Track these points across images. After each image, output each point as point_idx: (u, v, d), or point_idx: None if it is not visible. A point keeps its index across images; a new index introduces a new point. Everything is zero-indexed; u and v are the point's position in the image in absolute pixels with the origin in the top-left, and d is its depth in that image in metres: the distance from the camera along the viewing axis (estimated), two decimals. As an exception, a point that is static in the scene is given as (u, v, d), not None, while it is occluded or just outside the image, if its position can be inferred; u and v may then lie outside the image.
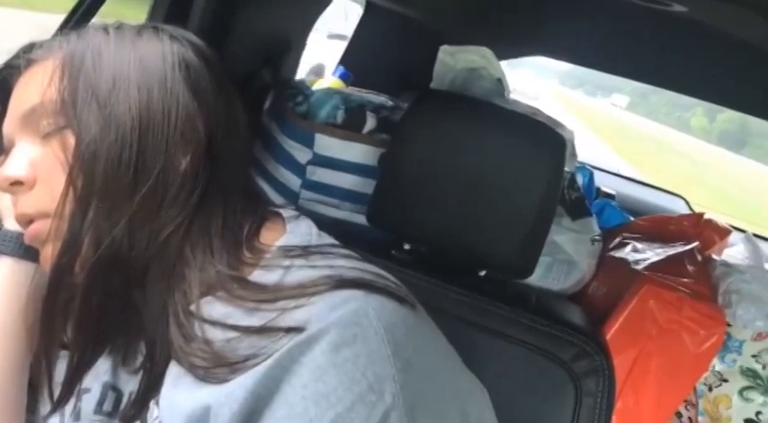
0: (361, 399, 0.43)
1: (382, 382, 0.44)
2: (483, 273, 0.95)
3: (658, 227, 1.31)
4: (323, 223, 0.66)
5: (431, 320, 0.56)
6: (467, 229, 0.87)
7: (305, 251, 0.56)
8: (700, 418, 1.02)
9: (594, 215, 1.22)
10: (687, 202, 2.52)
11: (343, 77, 1.58)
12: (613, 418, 0.98)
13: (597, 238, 1.15)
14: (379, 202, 0.92)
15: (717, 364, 1.00)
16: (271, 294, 0.51)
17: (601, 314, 1.05)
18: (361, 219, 0.99)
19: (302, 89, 1.13)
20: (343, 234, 0.67)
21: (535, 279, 1.04)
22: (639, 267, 1.07)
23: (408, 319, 0.51)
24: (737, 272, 1.03)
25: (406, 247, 0.95)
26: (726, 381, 0.99)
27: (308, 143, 1.04)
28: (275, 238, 0.58)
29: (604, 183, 2.10)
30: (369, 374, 0.44)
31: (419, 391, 0.46)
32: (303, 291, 0.50)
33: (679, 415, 1.05)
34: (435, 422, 0.46)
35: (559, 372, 0.82)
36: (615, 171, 2.72)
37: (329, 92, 1.11)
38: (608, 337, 0.98)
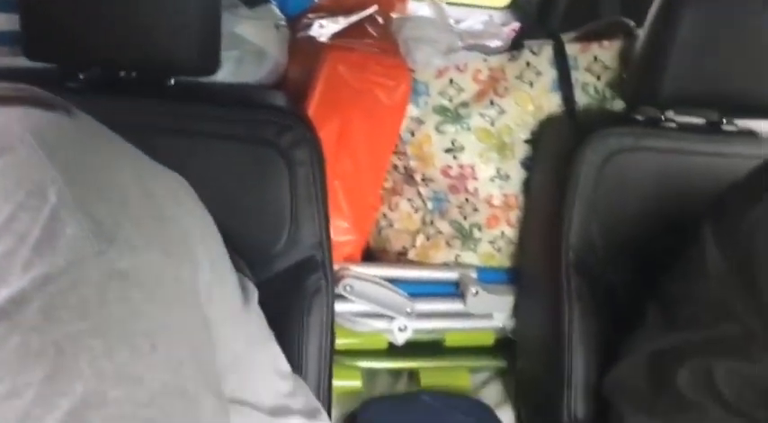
0: (21, 207, 0.41)
1: (42, 184, 0.42)
2: (172, 81, 0.91)
3: (340, 2, 1.33)
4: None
5: (97, 123, 0.53)
6: (134, 40, 0.82)
7: None
8: (410, 163, 1.12)
9: (276, 3, 1.21)
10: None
11: None
12: (337, 183, 1.05)
13: (281, 23, 1.15)
14: (31, 36, 0.83)
15: (412, 110, 1.09)
16: None
17: (303, 95, 1.08)
18: (24, 61, 0.89)
19: None
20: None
21: (228, 75, 1.02)
22: (324, 40, 1.09)
23: (62, 122, 0.48)
24: (410, 21, 1.10)
25: (81, 76, 0.88)
26: (423, 122, 1.09)
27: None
28: None
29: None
30: (24, 182, 0.42)
31: (90, 184, 0.44)
32: None
33: (395, 167, 1.15)
34: (117, 209, 0.45)
35: (268, 151, 0.84)
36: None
37: None
38: (310, 111, 1.01)
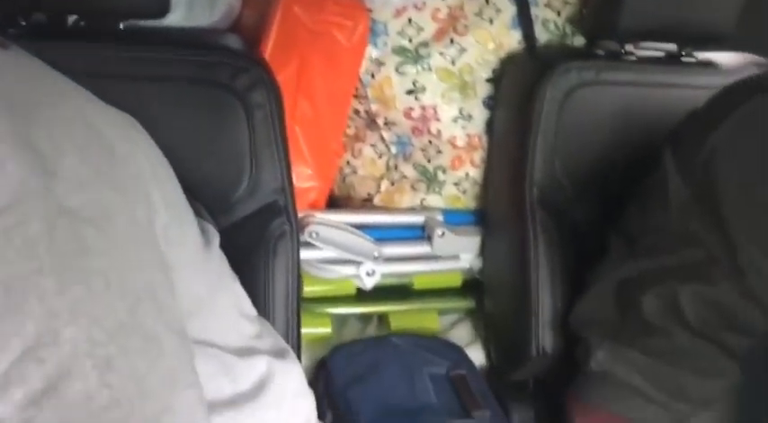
0: None
1: None
2: (121, 26, 0.88)
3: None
4: None
5: (37, 59, 0.51)
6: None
7: None
8: (372, 106, 1.10)
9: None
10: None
11: None
12: (298, 129, 1.03)
13: (233, -35, 1.11)
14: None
15: (372, 51, 1.07)
16: None
17: (258, 39, 1.05)
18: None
19: None
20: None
21: (179, 19, 0.99)
22: (278, -20, 1.06)
23: None
24: (366, -41, 1.07)
25: (23, 22, 0.84)
26: (383, 64, 1.07)
27: None
28: None
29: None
30: None
31: (30, 118, 0.42)
32: None
33: (356, 112, 1.13)
34: (61, 143, 0.43)
35: (223, 94, 0.81)
36: None
37: None
38: (266, 55, 0.99)
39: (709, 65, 1.04)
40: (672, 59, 1.03)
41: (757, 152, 0.74)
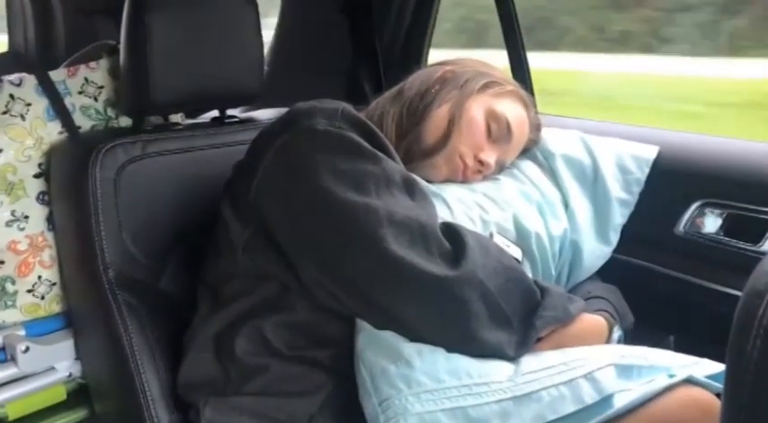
0: None
1: None
2: None
3: None
4: None
5: None
6: None
7: None
8: None
9: None
10: None
11: None
12: None
13: None
14: None
15: None
16: None
17: None
18: None
19: None
20: None
21: None
22: None
23: None
24: None
25: None
26: None
27: None
28: None
29: None
30: None
31: None
32: None
33: None
34: None
35: None
36: None
37: None
38: None
39: (249, 121, 1.12)
40: (216, 122, 1.09)
41: (292, 185, 0.82)
